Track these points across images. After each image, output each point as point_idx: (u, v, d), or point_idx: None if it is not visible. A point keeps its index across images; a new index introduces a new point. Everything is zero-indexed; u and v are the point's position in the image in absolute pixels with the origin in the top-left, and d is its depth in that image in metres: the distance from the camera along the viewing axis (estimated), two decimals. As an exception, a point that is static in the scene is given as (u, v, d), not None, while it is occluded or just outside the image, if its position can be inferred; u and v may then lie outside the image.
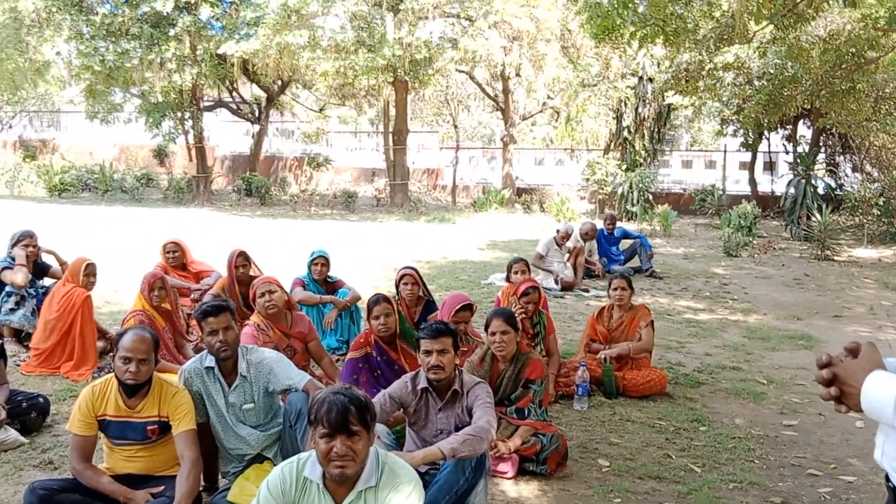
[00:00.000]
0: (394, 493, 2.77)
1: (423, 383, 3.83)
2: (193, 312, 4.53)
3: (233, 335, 3.83)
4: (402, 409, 3.91)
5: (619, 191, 20.98)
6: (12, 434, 4.50)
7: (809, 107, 18.40)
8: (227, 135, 31.30)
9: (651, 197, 20.82)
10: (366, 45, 18.26)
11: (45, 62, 21.63)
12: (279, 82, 24.22)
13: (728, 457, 4.70)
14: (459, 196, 25.59)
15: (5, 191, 23.60)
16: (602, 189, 21.80)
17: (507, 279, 7.23)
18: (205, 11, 19.09)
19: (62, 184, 23.37)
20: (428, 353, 3.75)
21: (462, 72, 22.95)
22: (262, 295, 5.00)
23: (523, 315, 5.85)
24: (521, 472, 4.36)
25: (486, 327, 4.60)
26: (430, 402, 3.85)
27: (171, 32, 18.99)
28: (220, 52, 18.89)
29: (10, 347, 6.37)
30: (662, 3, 8.32)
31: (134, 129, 24.89)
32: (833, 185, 20.15)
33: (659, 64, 19.90)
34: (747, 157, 24.59)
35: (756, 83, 17.93)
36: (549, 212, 21.35)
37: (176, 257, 7.17)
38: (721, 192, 21.72)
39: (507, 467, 4.32)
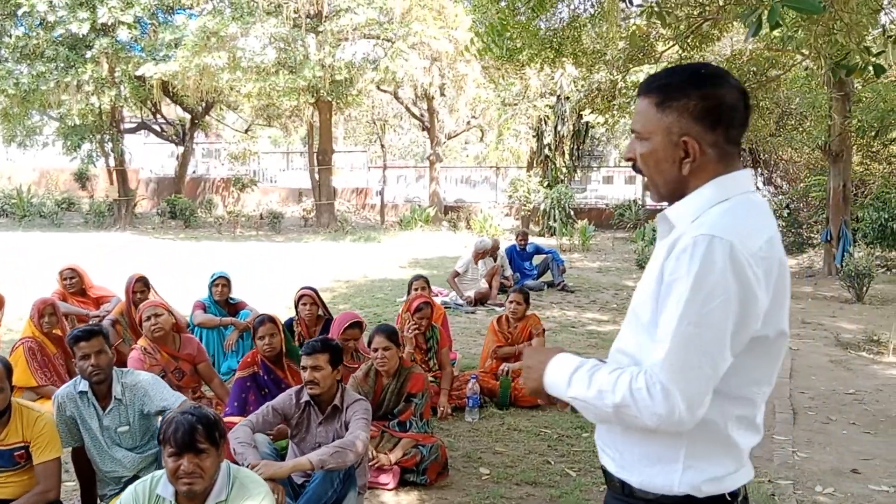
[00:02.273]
0: (244, 505, 2.89)
1: (305, 397, 3.97)
2: (66, 338, 4.57)
3: (105, 359, 3.89)
4: (285, 421, 4.03)
5: (542, 207, 21.44)
6: None
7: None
8: (151, 157, 30.87)
9: (572, 212, 21.32)
10: (287, 66, 18.33)
11: (-44, 86, 21.07)
12: (203, 103, 24.09)
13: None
14: (388, 215, 25.73)
15: (-84, 219, 22.89)
16: (525, 206, 22.22)
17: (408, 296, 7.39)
18: (123, 33, 18.89)
19: (-23, 210, 22.79)
20: (304, 368, 3.90)
21: (386, 92, 23.17)
22: (148, 318, 5.06)
23: (417, 331, 6.03)
24: (403, 483, 4.51)
25: (369, 343, 4.76)
26: (312, 415, 3.99)
27: (88, 55, 18.75)
28: (138, 73, 18.71)
29: None
30: (559, 28, 8.64)
31: (54, 153, 24.45)
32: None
33: (575, 83, 20.43)
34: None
35: (667, 101, 18.58)
36: (474, 229, 21.66)
37: (73, 283, 7.13)
38: (639, 207, 22.34)
39: (387, 479, 4.47)
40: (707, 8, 11.53)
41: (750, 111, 1.68)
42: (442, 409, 5.71)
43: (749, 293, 1.47)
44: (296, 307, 6.26)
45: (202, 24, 17.75)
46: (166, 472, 2.89)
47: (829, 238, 13.88)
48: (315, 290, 6.30)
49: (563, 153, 23.21)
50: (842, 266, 12.30)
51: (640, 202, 23.48)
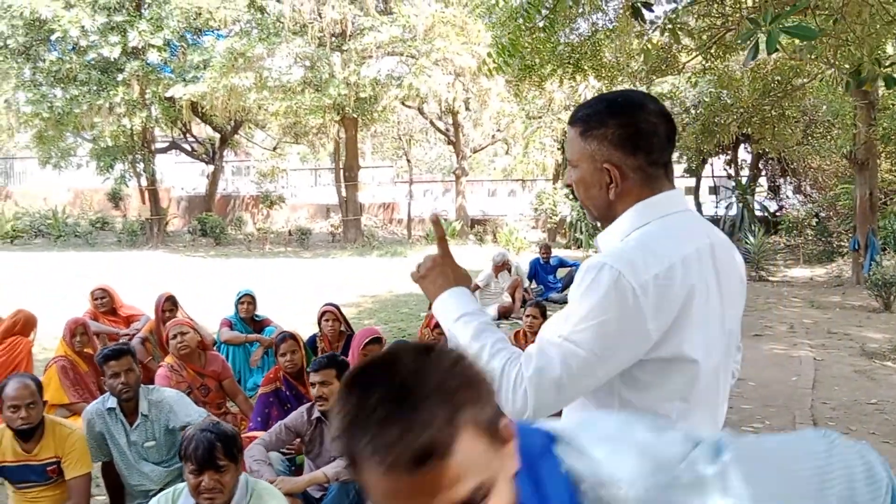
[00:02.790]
0: (261, 516, 3.02)
1: (317, 413, 4.09)
2: (95, 357, 4.74)
3: (133, 377, 4.05)
4: (299, 438, 4.15)
5: (568, 219, 21.47)
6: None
7: (746, 133, 19.09)
8: (183, 176, 31.44)
9: (598, 224, 21.29)
10: (312, 84, 18.62)
11: (-8, 110, 21.69)
12: (232, 123, 24.50)
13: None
14: (415, 229, 25.90)
15: (-45, 240, 23.49)
16: (551, 218, 22.26)
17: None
18: (153, 56, 19.32)
19: (14, 231, 23.32)
20: (313, 385, 4.02)
21: (410, 107, 23.40)
22: (175, 336, 5.22)
23: (436, 346, 6.13)
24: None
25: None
26: (325, 431, 4.10)
27: (120, 77, 19.20)
28: (168, 95, 19.11)
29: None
30: (577, 44, 8.75)
31: (88, 174, 24.98)
32: (771, 207, 20.79)
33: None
34: (693, 182, 25.28)
35: (692, 112, 18.58)
36: (500, 242, 21.74)
37: (104, 303, 7.34)
38: (665, 218, 22.26)
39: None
40: (730, 18, 11.58)
41: (674, 134, 1.74)
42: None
43: (630, 320, 1.53)
44: (319, 323, 6.40)
45: (229, 46, 18.10)
46: (188, 487, 3.03)
47: (857, 247, 13.77)
48: (337, 307, 6.44)
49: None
50: (869, 275, 12.20)
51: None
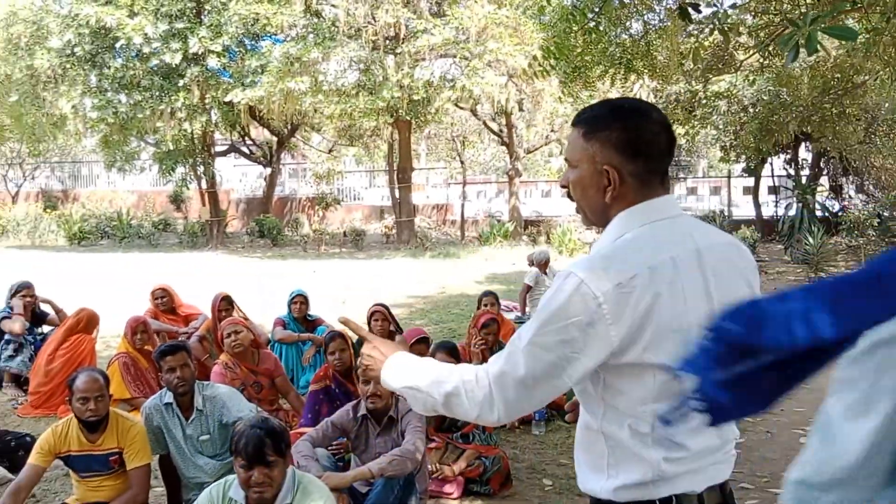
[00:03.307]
0: (306, 508, 3.14)
1: (362, 411, 4.21)
2: (153, 353, 4.94)
3: (188, 372, 4.22)
4: (345, 435, 4.28)
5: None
6: (0, 471, 4.91)
7: (806, 132, 18.72)
8: (242, 178, 32.10)
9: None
10: (366, 88, 18.86)
11: (62, 116, 22.45)
12: (289, 126, 24.94)
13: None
14: (469, 230, 25.99)
15: (27, 241, 24.40)
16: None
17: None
18: (212, 61, 19.78)
19: (81, 232, 24.11)
20: (366, 382, 4.13)
21: (464, 109, 23.49)
22: (229, 335, 5.40)
23: (483, 346, 6.21)
24: (467, 493, 4.69)
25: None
26: (370, 428, 4.22)
27: (181, 83, 19.69)
28: (227, 99, 19.55)
29: (10, 391, 6.84)
30: (629, 44, 8.72)
31: (151, 177, 25.74)
32: (832, 206, 20.32)
33: (655, 94, 20.28)
34: (752, 181, 24.84)
35: (750, 110, 18.30)
36: (553, 243, 21.67)
37: (164, 302, 7.60)
38: (722, 218, 21.95)
39: (452, 488, 4.66)
40: (788, 16, 11.40)
41: (673, 145, 1.80)
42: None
43: (591, 326, 1.59)
44: (368, 323, 6.53)
45: (285, 51, 18.44)
46: (238, 479, 3.17)
47: (920, 247, 13.39)
48: (386, 307, 6.57)
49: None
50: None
51: (725, 213, 23.07)
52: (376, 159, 32.39)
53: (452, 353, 4.91)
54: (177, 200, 28.34)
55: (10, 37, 20.99)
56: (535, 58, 5.96)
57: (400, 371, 1.82)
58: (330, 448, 4.53)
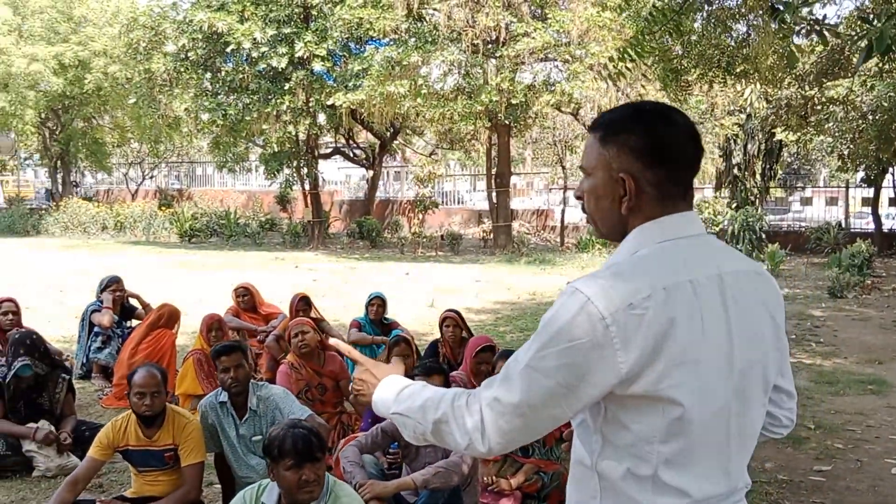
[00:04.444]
0: (336, 516, 3.07)
1: (415, 418, 4.12)
2: (210, 352, 4.99)
3: (243, 372, 4.24)
4: (396, 443, 4.19)
5: (730, 229, 20.50)
6: (73, 460, 5.05)
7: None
8: (346, 180, 32.77)
9: (764, 235, 20.21)
10: (465, 91, 18.84)
11: (176, 118, 23.48)
12: (391, 129, 25.26)
13: (740, 501, 4.68)
14: (569, 237, 25.61)
15: (142, 237, 25.63)
16: (710, 228, 21.35)
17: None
18: (317, 65, 20.20)
19: (192, 230, 25.13)
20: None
21: (565, 113, 23.17)
22: (296, 335, 5.41)
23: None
24: (524, 509, 4.53)
25: (493, 369, 4.83)
26: (421, 436, 4.12)
27: (286, 86, 20.21)
28: (329, 103, 19.94)
29: (98, 382, 7.11)
30: (724, 44, 8.32)
31: (261, 177, 26.61)
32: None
33: (766, 98, 19.45)
34: (872, 192, 23.49)
35: (869, 117, 17.27)
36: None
37: (246, 300, 7.74)
38: (838, 230, 20.81)
39: (509, 503, 4.50)
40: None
41: (700, 156, 1.61)
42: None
43: (597, 350, 1.42)
44: (440, 329, 6.44)
45: (386, 55, 18.64)
46: (284, 485, 3.08)
47: None
48: (458, 313, 6.46)
49: (754, 173, 22.09)
50: None
51: (841, 224, 21.88)
52: (479, 163, 32.44)
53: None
54: (283, 201, 29.15)
55: (130, 42, 22.12)
56: (610, 58, 5.71)
57: (390, 396, 1.69)
58: (388, 456, 4.47)
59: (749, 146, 21.26)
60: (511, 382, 1.48)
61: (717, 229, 20.97)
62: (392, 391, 1.69)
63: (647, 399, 1.47)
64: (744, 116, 21.23)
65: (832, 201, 25.07)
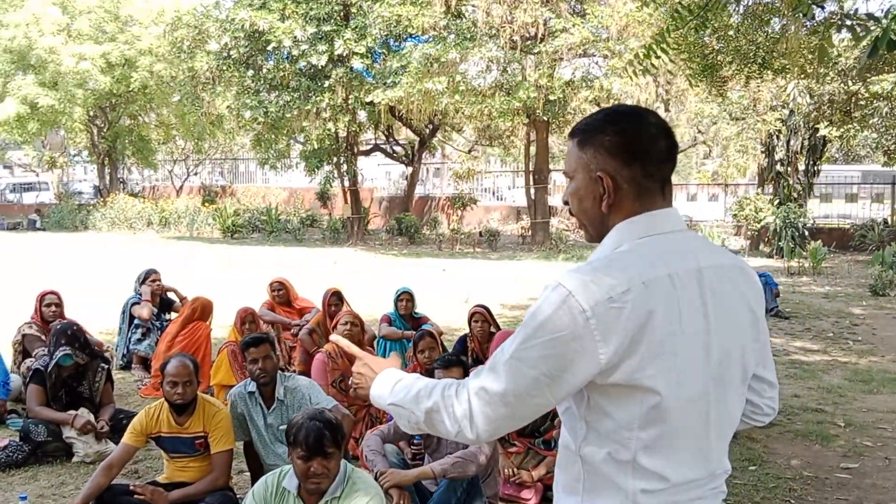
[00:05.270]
0: (354, 502, 3.17)
1: (435, 409, 4.20)
2: (239, 343, 5.12)
3: (270, 364, 4.36)
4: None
5: (772, 227, 20.22)
6: (111, 446, 5.23)
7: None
8: (386, 177, 32.95)
9: (807, 233, 19.89)
10: (503, 88, 18.86)
11: (219, 115, 23.87)
12: (430, 126, 25.35)
13: (764, 496, 4.68)
14: (607, 233, 25.44)
15: (186, 232, 26.12)
16: (752, 225, 21.07)
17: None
18: (356, 62, 20.36)
19: (234, 225, 25.55)
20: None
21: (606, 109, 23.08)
22: (345, 324, 5.54)
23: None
24: (545, 500, 4.58)
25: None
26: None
27: (326, 84, 20.41)
28: (368, 100, 20.09)
29: (137, 373, 7.33)
30: (759, 39, 8.23)
31: (302, 174, 26.93)
32: None
33: (810, 93, 19.11)
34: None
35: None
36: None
37: (281, 294, 7.89)
38: (882, 228, 20.38)
39: (530, 494, 4.57)
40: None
41: (675, 150, 1.67)
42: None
43: (578, 342, 1.48)
44: (469, 324, 6.52)
45: (425, 52, 18.73)
46: (295, 471, 3.23)
47: None
48: (487, 308, 6.53)
49: (797, 169, 21.71)
50: None
51: (887, 221, 21.43)
52: (520, 159, 32.43)
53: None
54: (323, 197, 29.44)
55: (174, 40, 22.54)
56: (636, 56, 5.71)
57: (386, 388, 1.76)
58: (412, 446, 4.56)
59: (792, 142, 20.88)
60: (497, 373, 1.55)
61: (759, 226, 20.70)
62: (388, 384, 1.76)
63: (626, 388, 1.53)
64: (786, 112, 20.86)
65: (877, 198, 24.53)
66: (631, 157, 1.63)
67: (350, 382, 1.89)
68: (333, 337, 2.14)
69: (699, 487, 1.62)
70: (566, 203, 1.77)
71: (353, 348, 1.96)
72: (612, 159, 1.63)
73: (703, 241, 1.71)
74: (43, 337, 6.45)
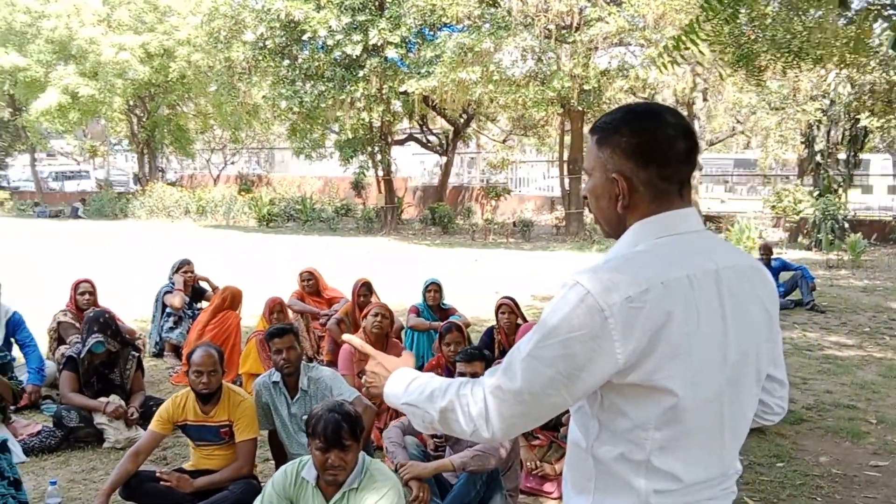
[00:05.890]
0: (371, 494, 3.19)
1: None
2: (264, 334, 5.17)
3: (294, 354, 4.40)
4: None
5: (811, 219, 19.89)
6: (141, 433, 5.33)
7: None
8: (421, 166, 32.99)
9: (846, 225, 19.53)
10: (537, 78, 18.75)
11: (255, 105, 24.06)
12: (464, 115, 25.31)
13: (790, 493, 4.62)
14: (644, 224, 25.22)
15: (222, 221, 26.42)
16: (790, 217, 20.73)
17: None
18: (390, 52, 20.39)
19: (269, 214, 25.78)
20: (462, 374, 4.13)
21: (641, 98, 22.82)
22: (376, 315, 5.57)
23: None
24: (568, 495, 4.58)
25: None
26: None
27: (360, 74, 20.46)
28: (402, 89, 20.11)
29: (169, 360, 7.45)
30: (795, 29, 8.07)
31: (337, 163, 27.12)
32: None
33: (851, 83, 18.73)
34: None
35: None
36: (731, 239, 20.59)
37: (310, 284, 7.95)
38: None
39: (552, 487, 4.56)
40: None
41: (695, 151, 1.63)
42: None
43: (596, 341, 1.46)
44: (496, 315, 6.51)
45: (459, 41, 18.68)
46: (314, 462, 3.27)
47: None
48: (514, 300, 6.51)
49: (837, 160, 21.33)
50: None
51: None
52: (555, 149, 32.27)
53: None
54: (357, 187, 29.60)
55: (211, 31, 22.75)
56: (665, 47, 5.64)
57: (400, 387, 1.76)
58: (435, 439, 4.57)
59: (832, 132, 20.52)
60: (513, 371, 1.54)
61: (798, 218, 20.38)
62: (402, 383, 1.76)
63: (643, 388, 1.52)
64: (827, 102, 20.49)
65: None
66: (647, 159, 1.61)
67: (363, 381, 1.89)
68: (346, 337, 2.14)
69: (711, 488, 1.61)
70: (585, 199, 1.76)
71: (366, 347, 1.96)
72: (628, 161, 1.62)
73: (720, 242, 1.69)
74: (77, 324, 6.57)
